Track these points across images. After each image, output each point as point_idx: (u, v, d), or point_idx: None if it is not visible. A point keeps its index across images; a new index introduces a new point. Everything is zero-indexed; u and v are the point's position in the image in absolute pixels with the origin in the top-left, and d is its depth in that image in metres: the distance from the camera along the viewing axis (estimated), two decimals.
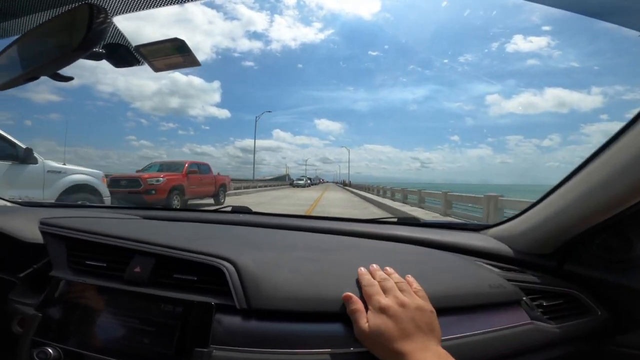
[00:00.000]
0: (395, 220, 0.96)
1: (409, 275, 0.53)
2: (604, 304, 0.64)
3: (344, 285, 0.50)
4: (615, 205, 0.55)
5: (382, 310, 0.44)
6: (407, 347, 0.41)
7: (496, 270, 0.66)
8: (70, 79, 0.54)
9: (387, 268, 0.54)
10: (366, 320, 0.44)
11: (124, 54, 0.59)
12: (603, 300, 0.64)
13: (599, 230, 0.62)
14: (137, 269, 0.53)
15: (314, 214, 6.90)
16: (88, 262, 0.57)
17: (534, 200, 0.72)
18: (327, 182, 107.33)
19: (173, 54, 0.58)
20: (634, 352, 0.60)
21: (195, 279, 0.51)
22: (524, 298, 0.59)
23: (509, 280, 0.61)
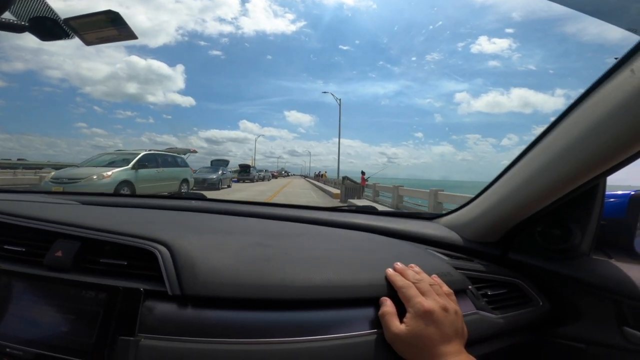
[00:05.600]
0: (354, 208, 0.96)
1: (435, 275, 0.52)
2: (546, 294, 0.65)
3: (290, 271, 0.49)
4: (549, 193, 0.56)
5: (426, 314, 0.43)
6: (445, 350, 0.42)
7: (446, 258, 0.66)
8: None
9: (413, 266, 0.53)
10: (400, 322, 0.44)
11: (50, 27, 0.54)
12: (545, 290, 0.65)
13: (539, 219, 0.64)
14: (59, 254, 0.49)
15: None
16: (6, 247, 0.53)
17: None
18: (294, 174, 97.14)
19: (106, 26, 0.55)
20: (574, 344, 0.61)
21: (125, 263, 0.49)
22: (470, 287, 0.58)
23: (457, 268, 0.61)
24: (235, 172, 25.39)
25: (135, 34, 0.56)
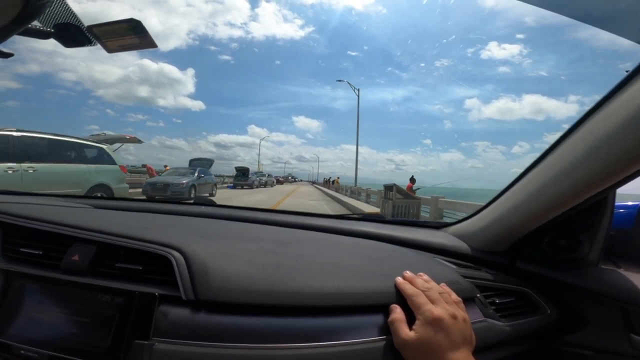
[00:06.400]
0: (361, 216, 0.97)
1: (444, 284, 0.53)
2: (553, 303, 0.65)
3: (301, 278, 0.49)
4: (559, 204, 0.56)
5: (435, 322, 0.44)
6: (453, 357, 0.42)
7: (454, 267, 0.66)
8: (10, 55, 0.51)
9: (422, 274, 0.54)
10: (409, 330, 0.44)
11: (74, 33, 0.56)
12: (552, 298, 0.66)
13: (548, 229, 0.64)
14: (76, 257, 0.50)
15: None
16: (23, 250, 0.54)
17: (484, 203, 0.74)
18: (301, 180, 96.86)
19: (128, 34, 0.56)
20: (580, 352, 0.62)
21: (140, 268, 0.49)
22: (478, 295, 0.59)
23: (464, 277, 0.61)
24: (223, 176, 20.53)
25: (155, 42, 0.57)
